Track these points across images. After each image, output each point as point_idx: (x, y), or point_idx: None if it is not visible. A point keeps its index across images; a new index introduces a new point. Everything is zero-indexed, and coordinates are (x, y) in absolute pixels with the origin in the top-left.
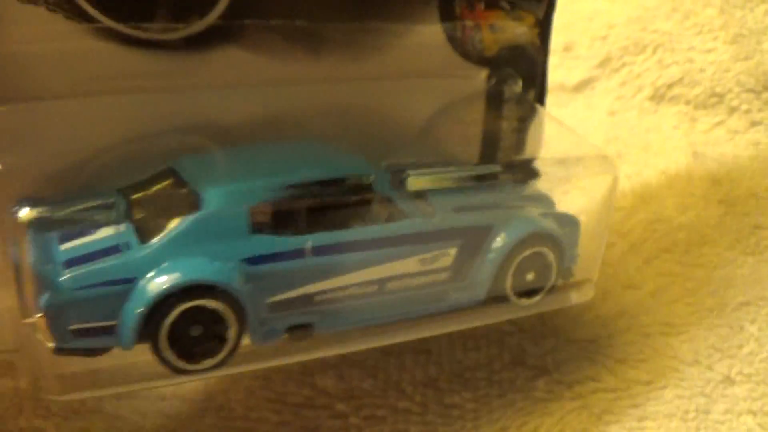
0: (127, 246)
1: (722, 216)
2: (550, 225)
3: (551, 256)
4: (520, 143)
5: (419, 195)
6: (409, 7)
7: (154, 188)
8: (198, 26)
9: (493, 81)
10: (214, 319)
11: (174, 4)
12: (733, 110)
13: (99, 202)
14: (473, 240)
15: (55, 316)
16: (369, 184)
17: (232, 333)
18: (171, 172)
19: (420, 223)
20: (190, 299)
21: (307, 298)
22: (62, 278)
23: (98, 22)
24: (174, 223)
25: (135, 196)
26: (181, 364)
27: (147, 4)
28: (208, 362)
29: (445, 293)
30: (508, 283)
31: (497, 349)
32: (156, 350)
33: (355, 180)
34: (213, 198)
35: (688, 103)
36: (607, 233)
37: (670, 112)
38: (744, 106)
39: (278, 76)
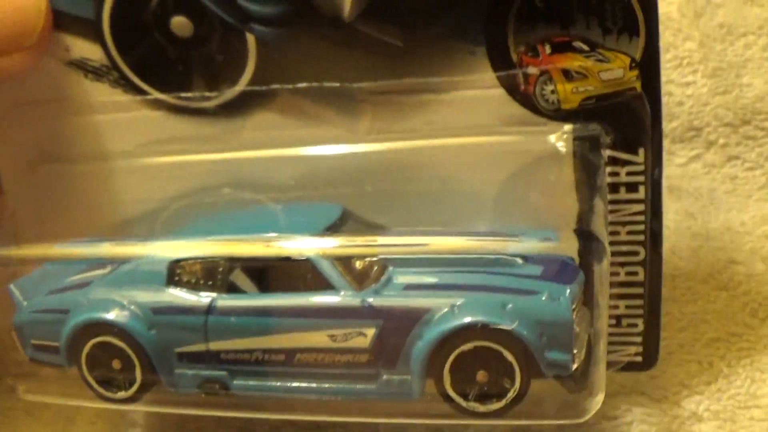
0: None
1: (696, 249)
2: (505, 318)
3: (509, 356)
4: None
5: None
6: (448, 57)
7: None
8: (230, 93)
9: (579, 140)
10: (120, 356)
11: (206, 74)
12: (710, 144)
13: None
14: (400, 321)
15: (20, 331)
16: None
17: (138, 373)
18: None
19: (338, 296)
20: (103, 334)
21: (212, 355)
22: (24, 303)
23: (149, 93)
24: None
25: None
26: (101, 390)
27: (185, 76)
28: (121, 394)
29: (371, 378)
30: (447, 379)
31: None
32: (81, 374)
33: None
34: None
35: (665, 136)
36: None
37: None
38: (721, 140)
39: (311, 138)
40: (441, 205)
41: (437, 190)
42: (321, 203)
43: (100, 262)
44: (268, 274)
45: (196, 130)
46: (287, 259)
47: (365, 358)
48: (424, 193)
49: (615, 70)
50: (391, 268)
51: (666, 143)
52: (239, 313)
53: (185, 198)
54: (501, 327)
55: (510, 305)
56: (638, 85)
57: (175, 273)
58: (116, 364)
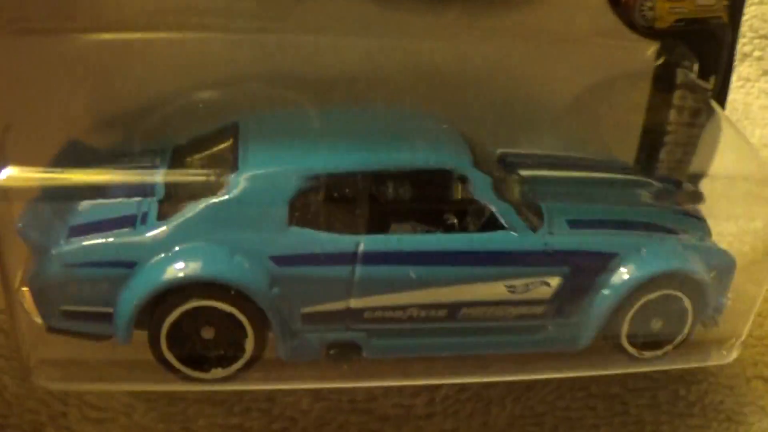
0: (144, 219)
1: None
2: (693, 264)
3: (687, 303)
4: (688, 146)
5: (527, 201)
6: None
7: (206, 148)
8: None
9: (663, 60)
10: (229, 324)
11: None
12: (744, 57)
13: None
14: (586, 269)
15: (41, 294)
16: (458, 177)
17: (249, 343)
18: (233, 132)
19: (516, 238)
20: (197, 298)
21: (353, 314)
22: (55, 251)
23: None
24: (194, 204)
25: (182, 157)
26: (186, 369)
27: None
28: (217, 372)
29: (538, 330)
30: (624, 329)
31: None
32: (155, 350)
33: (437, 172)
34: (247, 171)
35: None
36: None
37: None
38: (756, 53)
39: (389, 26)
40: (511, 114)
41: (509, 97)
42: (420, 112)
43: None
44: (419, 210)
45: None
46: (446, 187)
47: (542, 310)
48: (495, 100)
49: None
50: (542, 204)
51: None
52: (395, 261)
53: (198, 92)
54: (691, 275)
55: (690, 249)
56: (725, 15)
57: (300, 204)
58: (208, 333)
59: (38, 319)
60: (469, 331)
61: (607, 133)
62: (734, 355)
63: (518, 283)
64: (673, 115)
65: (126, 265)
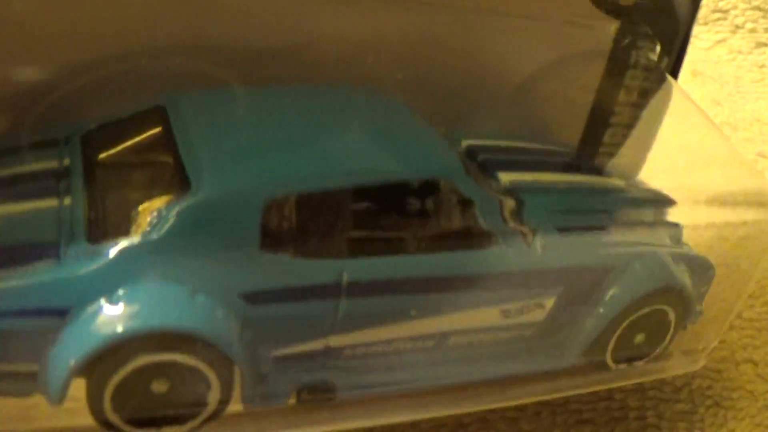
0: (68, 240)
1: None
2: (682, 277)
3: (671, 316)
4: (630, 127)
5: (516, 212)
6: None
7: (129, 141)
8: None
9: (624, 40)
10: (189, 377)
11: None
12: (737, 28)
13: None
14: (581, 287)
15: None
16: (448, 187)
17: (213, 395)
18: (159, 118)
19: (512, 255)
20: (151, 352)
21: (331, 353)
22: None
23: None
24: (143, 221)
25: (100, 153)
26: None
27: None
28: (171, 430)
29: (523, 352)
30: (611, 346)
31: None
32: (96, 412)
33: (425, 181)
34: (210, 181)
35: None
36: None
37: None
38: (749, 25)
39: None
40: (469, 87)
41: (463, 74)
42: (372, 93)
43: None
44: (402, 223)
45: None
46: (433, 195)
47: (530, 332)
48: (448, 76)
49: None
50: (528, 212)
51: None
52: (385, 291)
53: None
54: (681, 289)
55: (677, 260)
56: None
57: (271, 225)
58: (161, 386)
59: None
60: (453, 361)
61: (558, 112)
62: (700, 364)
63: (513, 306)
64: (622, 95)
65: (56, 314)
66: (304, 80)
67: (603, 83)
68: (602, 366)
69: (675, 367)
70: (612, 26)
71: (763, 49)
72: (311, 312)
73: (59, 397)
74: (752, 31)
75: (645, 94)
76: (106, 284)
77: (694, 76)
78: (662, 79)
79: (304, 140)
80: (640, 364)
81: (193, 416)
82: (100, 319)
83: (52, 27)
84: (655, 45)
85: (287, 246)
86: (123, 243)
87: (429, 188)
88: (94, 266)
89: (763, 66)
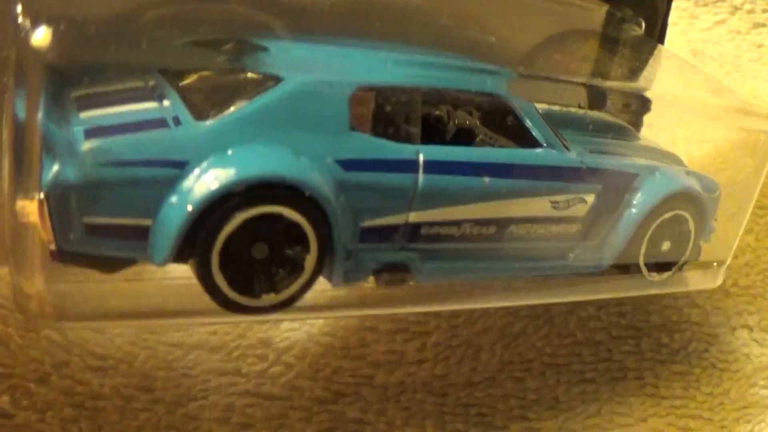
0: (177, 121)
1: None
2: (697, 185)
3: (691, 224)
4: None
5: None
6: None
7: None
8: None
9: (614, 19)
10: (289, 237)
11: None
12: (735, 9)
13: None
14: (616, 187)
15: (64, 200)
16: (501, 97)
17: (310, 260)
18: (240, 47)
19: (558, 155)
20: (262, 203)
21: (410, 230)
22: (85, 146)
23: None
24: (248, 98)
25: (187, 77)
26: (236, 296)
27: None
28: (270, 298)
29: (568, 251)
30: (643, 249)
31: None
32: (202, 272)
33: (483, 94)
34: (301, 80)
35: None
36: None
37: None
38: (747, 6)
39: None
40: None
41: (473, 44)
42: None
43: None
44: (471, 124)
45: None
46: (492, 100)
47: (575, 229)
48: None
49: None
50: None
51: (689, 5)
52: (454, 171)
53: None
54: (697, 194)
55: (689, 174)
56: None
57: (357, 111)
58: (260, 251)
59: (48, 237)
60: (511, 253)
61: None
62: (720, 281)
63: (561, 198)
64: (615, 68)
65: (175, 165)
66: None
67: (599, 55)
68: (636, 271)
69: (697, 283)
70: (603, 9)
71: (760, 29)
72: (394, 182)
73: (169, 252)
74: (750, 12)
75: (638, 58)
76: (220, 142)
77: (694, 56)
78: (650, 43)
79: (380, 54)
80: (667, 274)
81: (288, 285)
82: (217, 169)
83: None
84: (640, 24)
85: (373, 128)
86: (233, 109)
87: (487, 101)
88: (209, 125)
89: (761, 45)
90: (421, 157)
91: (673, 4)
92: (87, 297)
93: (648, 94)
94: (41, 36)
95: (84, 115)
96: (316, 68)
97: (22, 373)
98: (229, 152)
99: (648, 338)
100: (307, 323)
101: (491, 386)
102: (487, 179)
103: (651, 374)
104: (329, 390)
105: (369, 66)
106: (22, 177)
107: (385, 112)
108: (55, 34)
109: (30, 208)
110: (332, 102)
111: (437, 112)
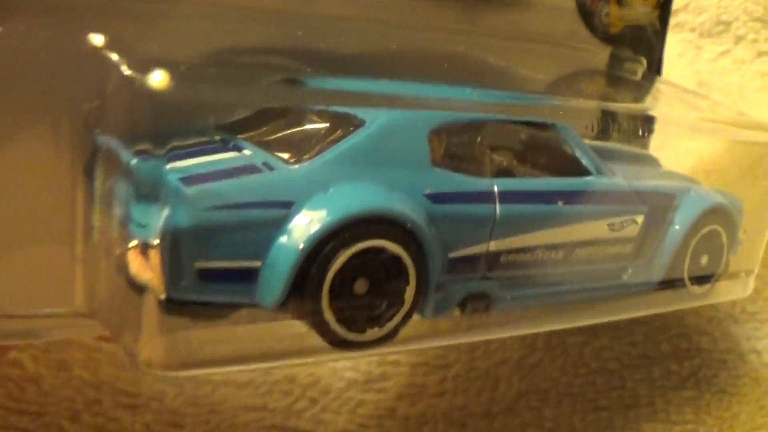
0: (269, 166)
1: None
2: (724, 200)
3: (724, 237)
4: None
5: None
6: None
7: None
8: None
9: (617, 61)
10: (389, 270)
11: None
12: (739, 39)
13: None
14: (659, 207)
15: (176, 246)
16: (556, 130)
17: (409, 292)
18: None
19: (610, 181)
20: (367, 237)
21: (492, 258)
22: (190, 191)
23: None
24: (332, 138)
25: (260, 127)
26: (342, 332)
27: None
28: (374, 332)
29: (622, 271)
30: (687, 264)
31: None
32: (313, 311)
33: (544, 123)
34: (383, 119)
35: (693, 30)
36: None
37: (674, 40)
38: (751, 36)
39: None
40: None
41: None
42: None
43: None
44: (533, 157)
45: None
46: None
47: (630, 249)
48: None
49: (647, 6)
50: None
51: (694, 37)
52: (527, 200)
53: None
54: (729, 209)
55: (716, 192)
56: (657, 23)
57: (434, 147)
58: (362, 287)
59: (159, 287)
60: (575, 276)
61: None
62: (750, 289)
63: (616, 220)
64: (621, 97)
65: (283, 205)
66: None
67: (605, 90)
68: (681, 285)
69: (732, 293)
70: (606, 50)
71: (764, 58)
72: (477, 213)
73: (280, 293)
74: (754, 41)
75: (640, 93)
76: (320, 182)
77: (700, 87)
78: (649, 76)
79: (444, 91)
80: (707, 286)
81: (390, 318)
82: (323, 207)
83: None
84: (641, 61)
85: (451, 164)
86: (327, 151)
87: (545, 131)
88: (307, 166)
89: (765, 74)
90: (496, 188)
91: (678, 37)
92: (198, 344)
93: (652, 114)
94: (159, 78)
95: (170, 166)
96: (395, 106)
97: (55, 411)
98: (330, 190)
99: (659, 366)
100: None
101: (509, 416)
102: (560, 203)
103: (662, 401)
104: (353, 422)
105: (440, 103)
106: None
107: (457, 146)
108: (173, 76)
109: (140, 258)
110: (415, 137)
111: (498, 157)
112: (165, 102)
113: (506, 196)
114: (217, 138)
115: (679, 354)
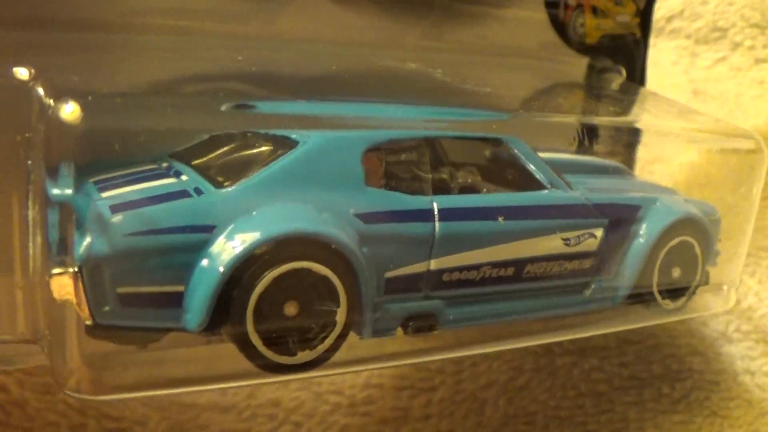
0: (198, 191)
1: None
2: (695, 210)
3: (697, 248)
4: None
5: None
6: None
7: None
8: None
9: (595, 71)
10: (319, 292)
11: None
12: (736, 46)
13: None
14: (622, 220)
15: (97, 273)
16: (506, 144)
17: (341, 314)
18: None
19: (563, 194)
20: (291, 259)
21: (433, 277)
22: (113, 219)
23: None
24: (266, 161)
25: (197, 154)
26: (271, 355)
27: None
28: (304, 356)
29: (584, 288)
30: (655, 278)
31: None
32: (238, 334)
33: (494, 138)
34: (315, 140)
35: (688, 37)
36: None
37: (670, 47)
38: (748, 42)
39: (361, 36)
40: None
41: (469, 99)
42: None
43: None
44: (478, 172)
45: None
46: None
47: (589, 264)
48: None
49: (625, 15)
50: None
51: (690, 44)
52: (469, 217)
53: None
54: (699, 220)
55: (689, 202)
56: (638, 32)
57: (368, 167)
58: (292, 309)
59: (83, 312)
60: (529, 293)
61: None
62: (733, 301)
63: (571, 235)
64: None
65: (204, 230)
66: None
67: (585, 103)
68: (651, 300)
69: (712, 306)
70: (583, 61)
71: (762, 65)
72: (415, 232)
73: (202, 316)
74: (751, 48)
75: (621, 101)
76: (244, 205)
77: (695, 96)
78: (631, 86)
79: (385, 109)
80: (682, 300)
81: (322, 340)
82: (243, 230)
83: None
84: (620, 71)
85: (390, 183)
86: (253, 174)
87: (495, 146)
88: (232, 190)
89: (762, 82)
90: (436, 206)
91: (673, 44)
92: (123, 368)
93: (637, 126)
94: (70, 110)
95: (105, 194)
96: (328, 127)
97: None
98: (254, 213)
99: (650, 388)
100: (314, 382)
101: None
102: (501, 219)
103: (652, 425)
104: None
105: (377, 121)
106: (54, 254)
107: (397, 165)
108: (83, 107)
109: (64, 284)
110: (347, 158)
111: (442, 175)
112: (75, 132)
113: (447, 214)
114: (164, 165)
115: (670, 375)
